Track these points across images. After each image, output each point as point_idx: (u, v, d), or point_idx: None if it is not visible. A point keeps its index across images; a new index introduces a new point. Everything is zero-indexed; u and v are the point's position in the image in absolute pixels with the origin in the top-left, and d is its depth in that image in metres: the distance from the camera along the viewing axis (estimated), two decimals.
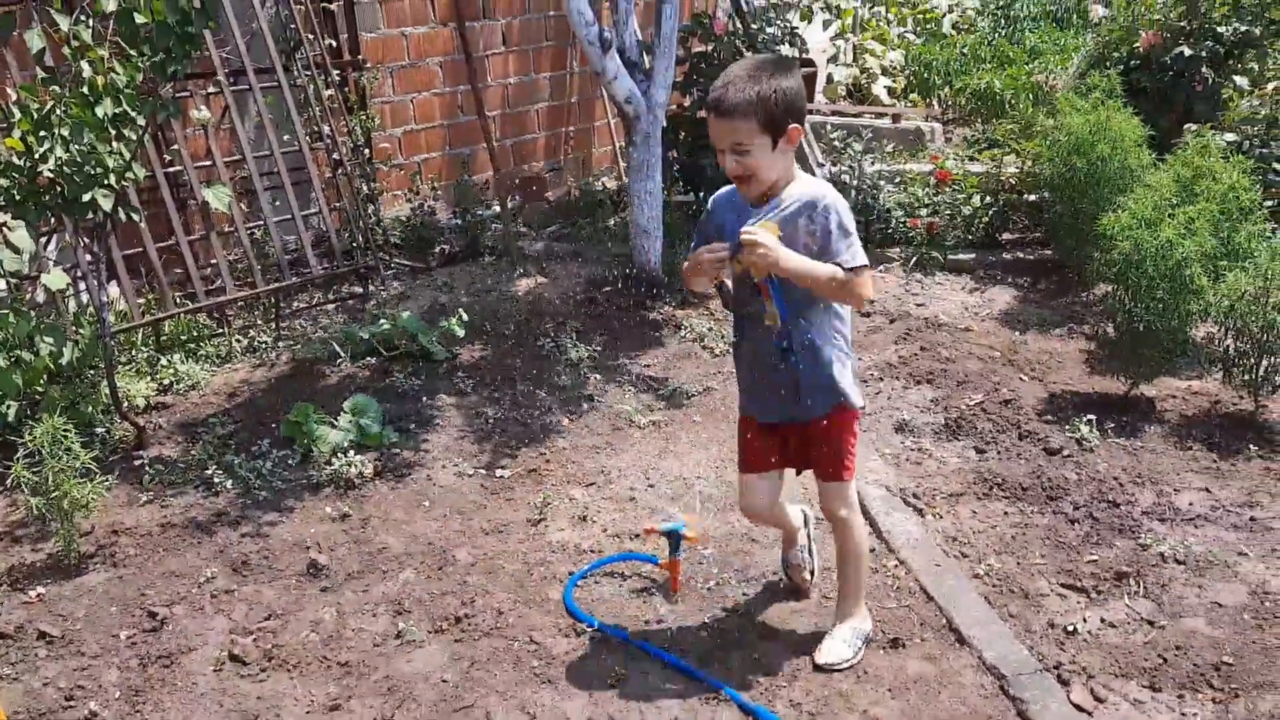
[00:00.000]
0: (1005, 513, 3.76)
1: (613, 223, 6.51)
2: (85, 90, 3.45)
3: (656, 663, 2.99)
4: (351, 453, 4.03)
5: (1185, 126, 5.61)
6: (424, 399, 4.58)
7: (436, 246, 6.10)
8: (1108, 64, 6.65)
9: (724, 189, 2.80)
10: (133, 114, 3.61)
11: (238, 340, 5.07)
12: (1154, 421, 4.33)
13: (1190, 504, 3.76)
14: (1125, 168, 5.28)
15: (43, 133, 3.39)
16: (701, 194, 6.41)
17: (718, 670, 2.97)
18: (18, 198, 3.52)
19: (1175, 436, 4.21)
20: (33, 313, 4.17)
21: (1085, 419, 4.26)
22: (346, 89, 5.90)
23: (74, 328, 4.46)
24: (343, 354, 4.90)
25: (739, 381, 2.91)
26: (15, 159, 3.45)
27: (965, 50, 8.51)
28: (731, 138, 2.58)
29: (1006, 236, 6.21)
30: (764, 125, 2.55)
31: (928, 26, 9.96)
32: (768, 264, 2.55)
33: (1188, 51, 6.36)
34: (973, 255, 6.03)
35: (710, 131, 2.63)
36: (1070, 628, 3.15)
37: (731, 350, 2.87)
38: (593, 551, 3.55)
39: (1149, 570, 3.39)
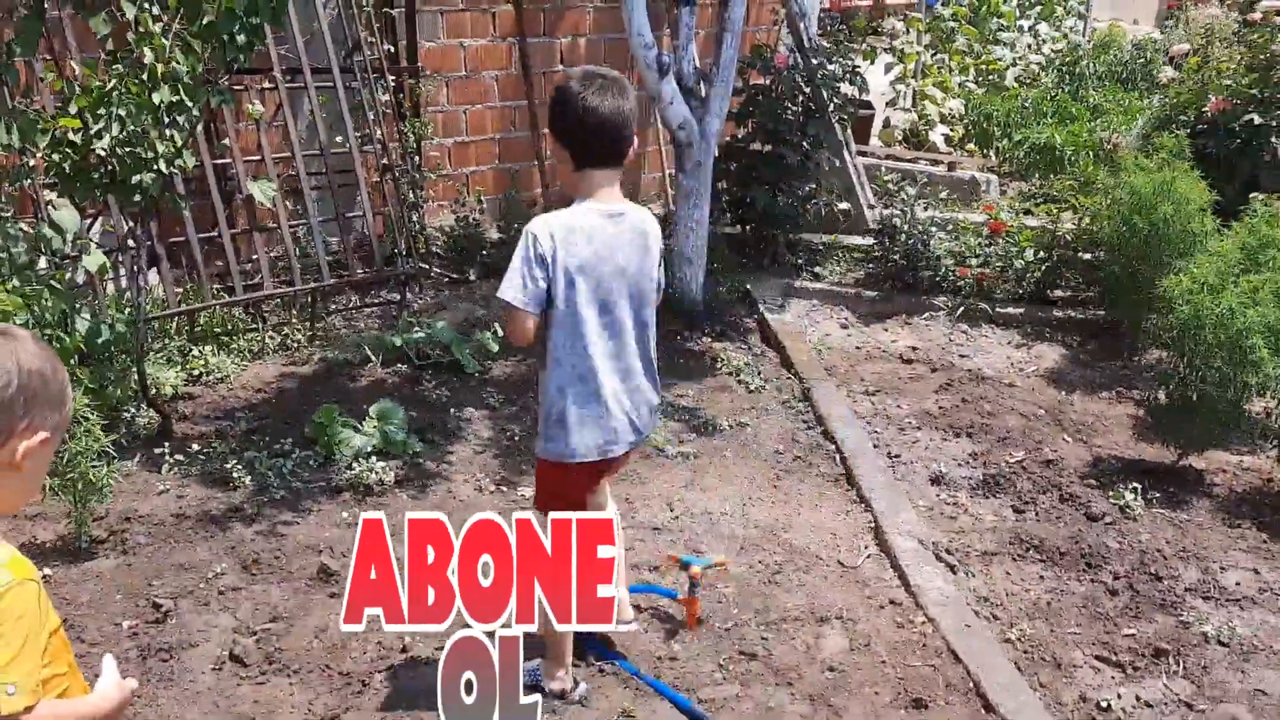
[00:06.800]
0: (1041, 576, 3.61)
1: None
2: (145, 76, 3.44)
3: (666, 702, 2.88)
4: (374, 459, 3.96)
5: (1251, 195, 5.45)
6: (451, 410, 4.51)
7: (478, 260, 6.05)
8: (1174, 126, 6.49)
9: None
10: (189, 103, 3.59)
11: (271, 337, 5.04)
12: (1202, 495, 4.16)
13: (1237, 584, 3.59)
14: (1188, 231, 5.11)
15: (100, 111, 3.37)
16: (749, 228, 6.31)
17: (728, 716, 2.85)
18: (68, 174, 3.51)
19: (1224, 512, 4.04)
20: (71, 292, 4.17)
21: (1130, 486, 4.10)
22: (401, 95, 5.89)
23: (110, 310, 4.45)
24: (374, 359, 4.85)
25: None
26: (71, 135, 3.44)
27: (1027, 104, 8.38)
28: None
29: (1058, 293, 6.05)
30: None
31: (990, 77, 9.84)
32: None
33: (1258, 119, 6.19)
34: (1022, 310, 5.88)
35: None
36: (1103, 704, 3.00)
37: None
38: None
39: (1190, 650, 3.23)
